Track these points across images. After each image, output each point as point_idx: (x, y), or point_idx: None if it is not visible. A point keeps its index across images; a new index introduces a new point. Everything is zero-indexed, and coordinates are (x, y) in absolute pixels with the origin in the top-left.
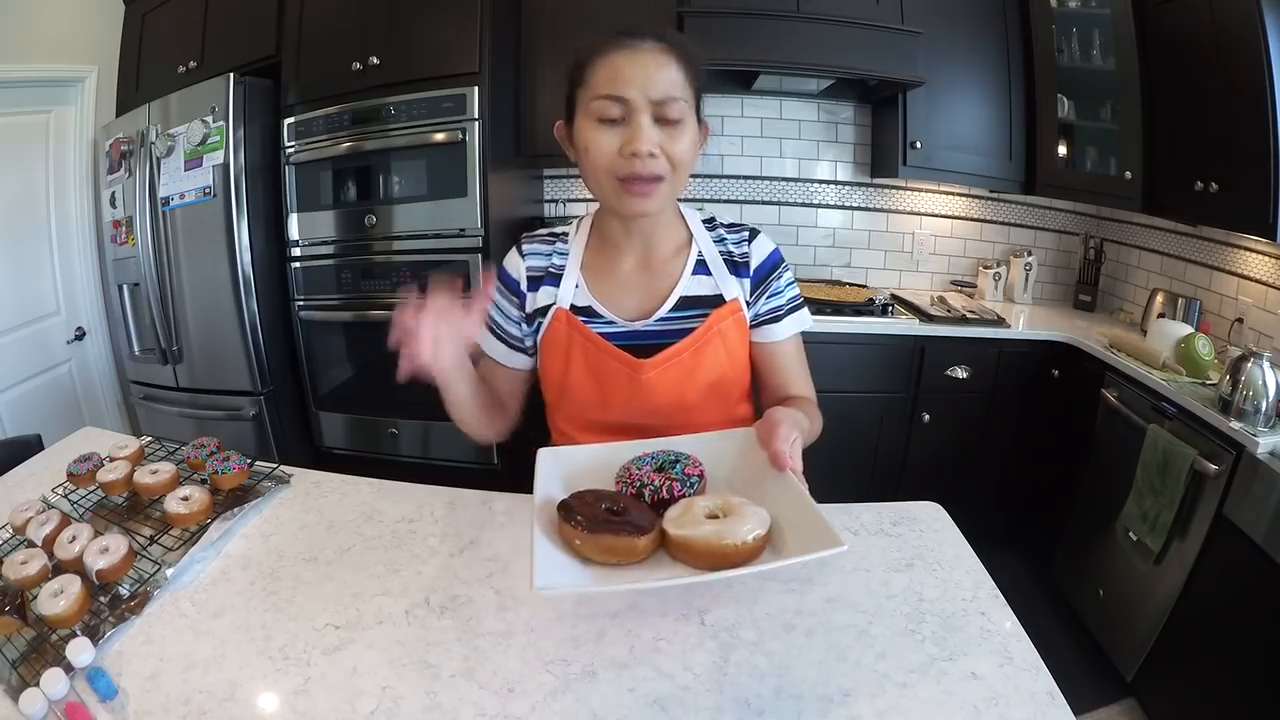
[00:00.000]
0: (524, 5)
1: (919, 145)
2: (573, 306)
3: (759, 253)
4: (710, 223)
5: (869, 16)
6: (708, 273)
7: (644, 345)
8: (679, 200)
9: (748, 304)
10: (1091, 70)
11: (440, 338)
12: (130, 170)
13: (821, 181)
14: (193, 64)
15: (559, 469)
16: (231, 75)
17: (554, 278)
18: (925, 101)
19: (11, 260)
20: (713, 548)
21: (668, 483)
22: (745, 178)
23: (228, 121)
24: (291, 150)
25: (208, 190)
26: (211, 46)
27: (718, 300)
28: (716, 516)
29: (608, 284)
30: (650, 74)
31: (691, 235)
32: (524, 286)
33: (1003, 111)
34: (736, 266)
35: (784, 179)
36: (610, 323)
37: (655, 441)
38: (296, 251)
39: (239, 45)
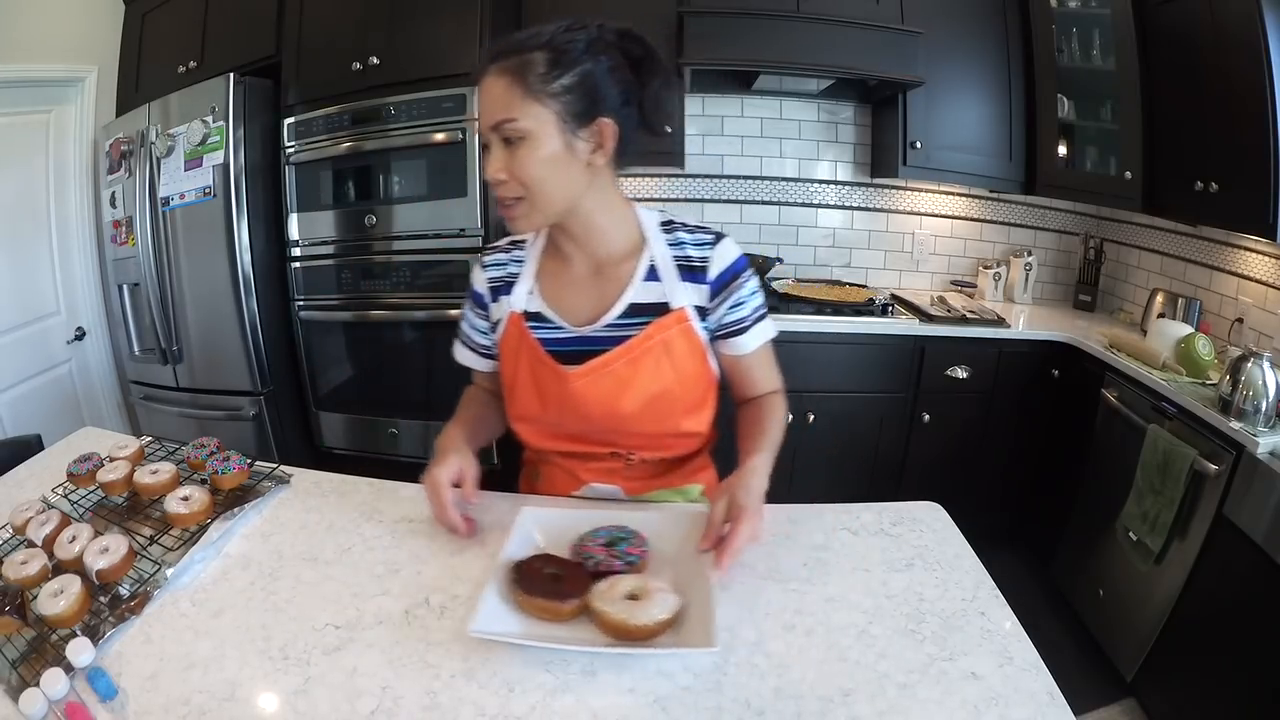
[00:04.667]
0: (524, 5)
1: (919, 145)
2: (525, 312)
3: (721, 259)
4: (668, 225)
5: (869, 16)
6: (658, 279)
7: (592, 351)
8: (636, 200)
9: (706, 311)
10: (1091, 70)
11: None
12: (130, 170)
13: (821, 181)
14: (193, 64)
15: (535, 526)
16: (231, 75)
17: (510, 285)
18: (925, 101)
19: (11, 260)
20: (619, 625)
21: (609, 558)
22: (745, 178)
23: (228, 121)
24: (291, 150)
25: (208, 190)
26: (211, 46)
27: (664, 309)
28: (636, 597)
29: (559, 289)
30: (487, 100)
31: (645, 239)
32: (488, 299)
33: (1003, 111)
34: (693, 271)
35: (784, 179)
36: (559, 328)
37: (617, 514)
38: (296, 251)
39: (239, 45)
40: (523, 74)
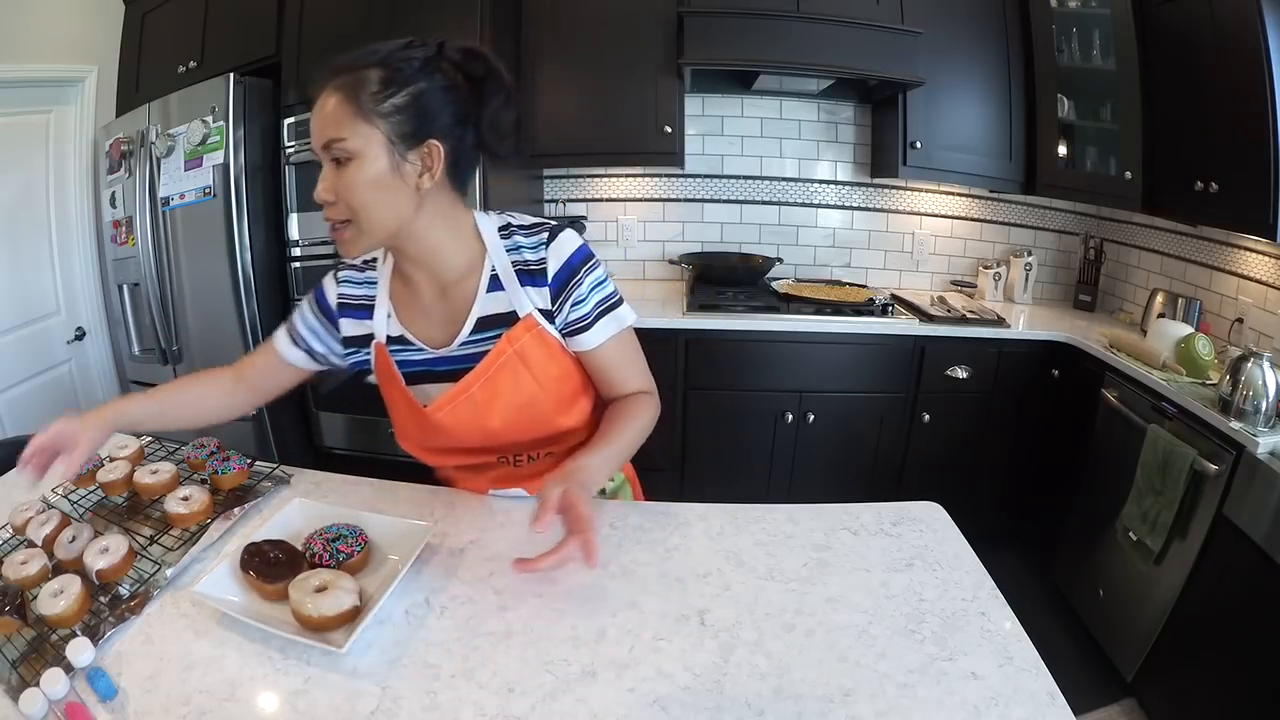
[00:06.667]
0: (524, 5)
1: (919, 145)
2: (388, 338)
3: (557, 257)
4: (506, 230)
5: (869, 16)
6: (502, 288)
7: (454, 370)
8: (478, 212)
9: (551, 313)
10: (1091, 70)
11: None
12: (130, 170)
13: (821, 181)
14: (193, 64)
15: (298, 516)
16: (231, 75)
17: (367, 309)
18: (925, 101)
19: (11, 260)
20: (295, 610)
21: (322, 551)
22: (745, 178)
23: (228, 121)
24: (291, 150)
25: (208, 190)
26: (211, 46)
27: (512, 318)
28: (324, 589)
29: (412, 312)
30: (319, 119)
31: (485, 250)
32: (335, 311)
33: (1002, 111)
34: (532, 275)
35: (784, 179)
36: (420, 350)
37: (363, 517)
38: (297, 251)
39: (239, 45)
40: (355, 92)
